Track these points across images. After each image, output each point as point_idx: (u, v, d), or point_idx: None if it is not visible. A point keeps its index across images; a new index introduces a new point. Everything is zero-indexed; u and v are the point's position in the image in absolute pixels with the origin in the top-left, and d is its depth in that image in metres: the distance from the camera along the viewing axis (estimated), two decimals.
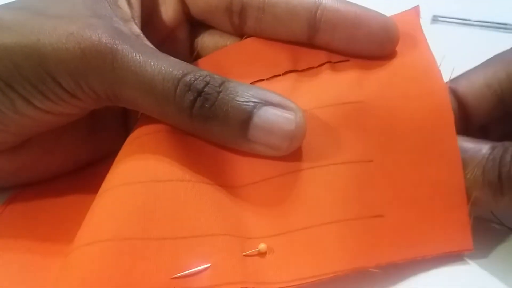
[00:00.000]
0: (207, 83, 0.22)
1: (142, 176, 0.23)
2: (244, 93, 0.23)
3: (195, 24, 0.29)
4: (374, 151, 0.24)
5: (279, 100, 0.23)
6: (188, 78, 0.22)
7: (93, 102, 0.24)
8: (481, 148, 0.23)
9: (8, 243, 0.25)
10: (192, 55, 0.29)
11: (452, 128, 0.23)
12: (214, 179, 0.24)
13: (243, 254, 0.22)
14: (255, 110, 0.22)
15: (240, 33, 0.28)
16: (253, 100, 0.23)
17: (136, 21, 0.25)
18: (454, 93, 0.26)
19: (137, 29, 0.25)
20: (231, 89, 0.23)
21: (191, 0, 0.28)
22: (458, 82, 0.26)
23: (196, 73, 0.23)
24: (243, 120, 0.22)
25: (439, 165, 0.23)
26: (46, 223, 0.26)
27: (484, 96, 0.26)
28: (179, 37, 0.29)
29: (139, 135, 0.25)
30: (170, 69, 0.22)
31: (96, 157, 0.29)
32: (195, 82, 0.22)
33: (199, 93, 0.22)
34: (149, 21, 0.28)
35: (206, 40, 0.29)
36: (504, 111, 0.26)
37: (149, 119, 0.25)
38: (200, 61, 0.28)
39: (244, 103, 0.22)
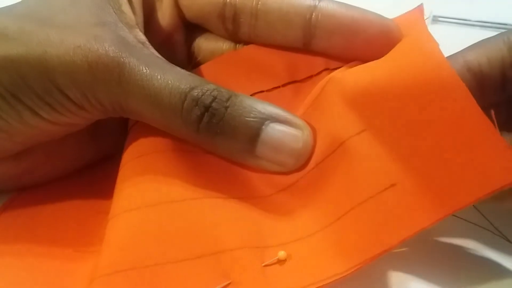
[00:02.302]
0: (215, 98, 0.22)
1: (154, 199, 0.23)
2: (252, 109, 0.23)
3: (192, 28, 0.29)
4: (365, 120, 0.22)
5: (287, 117, 0.23)
6: (195, 93, 0.22)
7: (100, 113, 0.24)
8: None
9: (7, 245, 0.25)
10: (189, 58, 0.29)
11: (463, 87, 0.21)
12: (226, 192, 0.23)
13: (262, 265, 0.21)
14: (263, 127, 0.22)
15: (235, 38, 0.28)
16: (261, 116, 0.23)
17: (139, 26, 0.25)
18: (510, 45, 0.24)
19: (142, 36, 0.25)
20: (238, 104, 0.22)
21: (185, 6, 0.28)
22: None
23: (203, 87, 0.22)
24: (251, 137, 0.23)
25: (448, 106, 0.21)
26: (45, 225, 0.26)
27: (484, 77, 0.24)
28: (176, 41, 0.29)
29: (141, 153, 0.24)
30: (177, 83, 0.22)
31: (97, 159, 0.29)
32: (203, 96, 0.22)
33: (207, 108, 0.22)
34: (147, 26, 0.28)
35: (203, 44, 0.29)
36: (485, 101, 0.25)
37: (144, 130, 0.24)
38: (198, 70, 0.28)
39: (252, 119, 0.22)
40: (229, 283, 0.21)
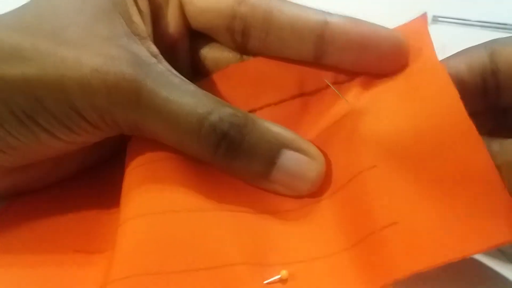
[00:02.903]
0: (232, 124, 0.22)
1: (158, 207, 0.23)
2: (269, 136, 0.23)
3: (197, 36, 0.29)
4: (377, 157, 0.23)
5: (302, 146, 0.23)
6: (212, 118, 0.22)
7: (115, 132, 0.24)
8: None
9: (7, 247, 0.25)
10: (193, 66, 0.29)
11: (471, 126, 0.21)
12: (234, 205, 0.24)
13: (264, 282, 0.21)
14: (278, 154, 0.23)
15: (243, 50, 0.28)
16: (277, 144, 0.23)
17: (150, 37, 0.25)
18: (492, 54, 0.24)
19: (154, 48, 0.25)
20: (255, 131, 0.23)
21: (192, 16, 0.28)
22: (500, 43, 0.25)
23: (220, 111, 0.23)
24: (267, 163, 0.23)
25: (459, 155, 0.21)
26: (45, 227, 0.26)
27: (464, 84, 0.24)
28: (180, 49, 0.29)
29: (147, 161, 0.24)
30: (194, 107, 0.22)
31: (99, 161, 0.29)
32: (220, 123, 0.22)
33: (224, 135, 0.22)
34: (152, 33, 0.27)
35: (208, 53, 0.29)
36: (484, 106, 0.25)
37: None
38: (207, 81, 0.28)
39: (269, 146, 0.23)
40: None
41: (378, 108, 0.24)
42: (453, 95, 0.22)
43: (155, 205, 0.23)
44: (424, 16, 0.27)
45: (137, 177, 0.24)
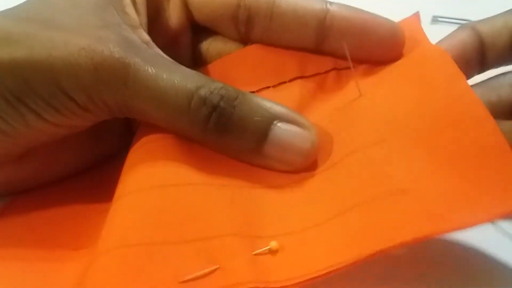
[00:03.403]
0: (222, 97, 0.22)
1: (150, 182, 0.23)
2: (260, 109, 0.23)
3: (199, 29, 0.29)
4: (385, 132, 0.23)
5: (294, 117, 0.23)
6: (202, 92, 0.22)
7: (104, 114, 0.24)
8: None
9: (6, 247, 0.25)
10: (194, 60, 0.29)
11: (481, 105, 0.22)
12: (226, 179, 0.23)
13: (253, 253, 0.21)
14: (271, 126, 0.23)
15: (246, 40, 0.28)
16: (268, 116, 0.23)
17: (143, 27, 0.25)
18: (474, 29, 0.27)
19: (146, 36, 0.25)
20: (246, 104, 0.23)
21: (195, 7, 0.28)
22: (480, 21, 0.27)
23: (210, 86, 0.22)
24: (258, 137, 0.23)
25: (470, 129, 0.21)
26: (45, 226, 0.26)
27: (500, 34, 0.26)
28: (181, 43, 0.29)
29: (146, 141, 0.25)
30: (184, 82, 0.22)
31: (99, 159, 0.29)
32: (210, 95, 0.22)
33: (214, 107, 0.22)
34: (152, 26, 0.28)
35: (210, 46, 0.29)
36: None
37: (152, 126, 0.25)
38: (205, 68, 0.28)
39: (260, 119, 0.22)
40: (216, 268, 0.21)
41: (385, 90, 0.24)
42: (458, 75, 0.23)
43: (146, 181, 0.23)
44: (416, 14, 0.28)
45: (133, 159, 0.24)
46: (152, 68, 0.22)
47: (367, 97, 0.25)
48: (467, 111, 0.22)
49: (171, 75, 0.22)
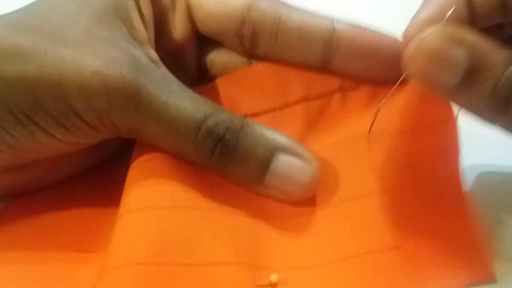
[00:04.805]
0: (228, 129, 0.23)
1: (158, 201, 0.23)
2: (263, 140, 0.23)
3: (204, 39, 0.29)
4: (387, 182, 0.24)
5: (296, 149, 0.23)
6: (209, 123, 0.23)
7: (113, 134, 0.24)
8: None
9: (7, 247, 0.25)
10: (199, 71, 0.29)
11: (457, 166, 0.23)
12: (229, 209, 0.24)
13: (254, 284, 0.22)
14: (272, 158, 0.23)
15: (251, 56, 0.28)
16: (271, 147, 0.23)
17: (151, 42, 0.25)
18: None
19: (154, 54, 0.25)
20: (250, 135, 0.23)
21: (200, 20, 0.28)
22: None
23: (217, 117, 0.23)
24: (261, 167, 0.23)
25: (444, 199, 0.23)
26: (45, 226, 0.26)
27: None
28: (186, 53, 0.29)
29: (151, 157, 0.25)
30: (192, 112, 0.23)
31: (99, 161, 0.29)
32: (216, 127, 0.23)
33: (220, 139, 0.23)
34: (158, 36, 0.27)
35: (216, 57, 0.29)
36: (505, 18, 0.25)
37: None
38: (212, 85, 0.28)
39: (262, 150, 0.23)
40: None
41: (394, 143, 0.25)
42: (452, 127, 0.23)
43: (153, 200, 0.23)
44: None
45: (138, 174, 0.24)
46: (162, 94, 0.23)
47: (373, 137, 0.25)
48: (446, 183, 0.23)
49: (180, 103, 0.23)
